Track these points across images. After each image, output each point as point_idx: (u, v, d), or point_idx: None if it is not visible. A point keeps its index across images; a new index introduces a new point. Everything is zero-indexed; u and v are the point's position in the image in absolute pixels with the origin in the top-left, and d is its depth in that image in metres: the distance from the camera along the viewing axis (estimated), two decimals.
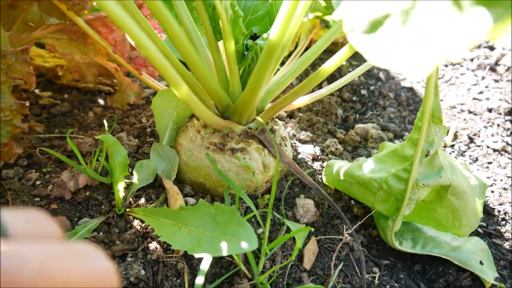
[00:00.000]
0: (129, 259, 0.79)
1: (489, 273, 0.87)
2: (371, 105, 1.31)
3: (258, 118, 0.89)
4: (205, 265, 0.70)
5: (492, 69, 1.51)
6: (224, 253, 0.67)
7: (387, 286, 0.86)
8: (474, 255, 0.89)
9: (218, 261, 0.81)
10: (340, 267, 0.85)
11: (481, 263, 0.88)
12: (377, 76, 1.43)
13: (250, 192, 0.90)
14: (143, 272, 0.78)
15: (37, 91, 1.21)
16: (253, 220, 0.86)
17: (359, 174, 0.88)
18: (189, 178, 0.90)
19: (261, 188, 0.90)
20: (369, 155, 1.13)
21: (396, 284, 0.87)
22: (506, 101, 1.37)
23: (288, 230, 0.86)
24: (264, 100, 0.91)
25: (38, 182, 0.90)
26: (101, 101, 1.18)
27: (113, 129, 1.05)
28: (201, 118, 0.84)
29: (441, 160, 0.80)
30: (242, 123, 0.89)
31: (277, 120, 0.97)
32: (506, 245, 0.97)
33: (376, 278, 0.87)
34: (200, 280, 0.68)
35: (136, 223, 0.83)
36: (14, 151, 0.81)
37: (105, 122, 0.99)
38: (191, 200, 0.87)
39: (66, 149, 0.99)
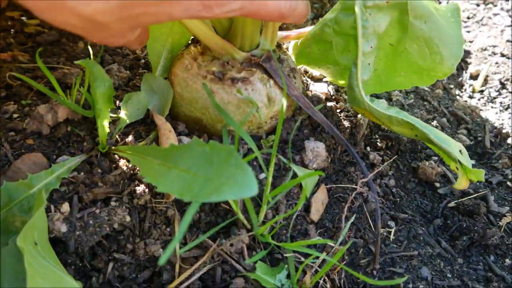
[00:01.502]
0: (113, 203, 0.70)
1: (469, 161, 0.75)
2: None
3: (264, 41, 0.78)
4: (192, 211, 0.60)
5: None
6: (218, 198, 0.57)
7: (404, 242, 0.77)
8: (455, 144, 0.76)
9: (214, 209, 0.71)
10: (352, 219, 0.75)
11: (460, 151, 0.75)
12: None
13: (253, 129, 0.79)
14: (128, 218, 0.69)
15: (24, 18, 1.09)
16: (255, 163, 0.75)
17: (315, 29, 0.78)
18: (183, 113, 0.79)
19: (266, 125, 0.79)
20: (389, 98, 1.01)
21: (414, 241, 0.78)
22: None
23: (295, 175, 0.75)
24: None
25: (15, 115, 0.79)
26: None
27: (102, 60, 0.94)
28: (198, 36, 0.72)
29: None
30: (245, 49, 0.77)
31: (286, 50, 0.85)
32: None
33: (392, 233, 0.77)
34: (183, 228, 0.58)
35: (122, 163, 0.73)
36: None
37: (89, 48, 0.87)
38: (186, 139, 0.76)
39: (49, 81, 0.89)
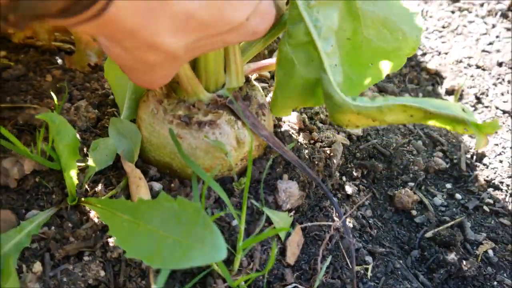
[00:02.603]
0: (86, 258, 0.69)
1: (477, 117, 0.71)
2: None
3: (229, 79, 0.76)
4: (163, 278, 0.59)
5: (504, 16, 1.35)
6: (187, 264, 0.56)
7: (382, 279, 0.77)
8: (454, 106, 0.67)
9: None
10: (328, 261, 0.75)
11: (463, 110, 0.66)
12: None
13: (224, 172, 0.78)
14: (102, 273, 0.68)
15: None
16: (227, 209, 0.74)
17: (277, 56, 0.73)
18: (153, 157, 0.78)
19: (236, 167, 0.78)
20: None
21: (391, 276, 0.77)
22: None
23: (268, 219, 0.75)
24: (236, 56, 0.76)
25: None
26: (61, 62, 1.03)
27: (71, 96, 0.92)
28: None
29: None
30: (210, 88, 0.75)
31: (254, 83, 0.83)
32: None
33: (369, 270, 0.77)
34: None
35: (93, 214, 0.72)
36: None
37: (52, 94, 0.85)
38: (157, 185, 0.75)
39: (17, 122, 0.87)
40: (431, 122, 0.67)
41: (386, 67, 0.72)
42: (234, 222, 0.74)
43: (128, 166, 0.74)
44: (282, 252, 0.74)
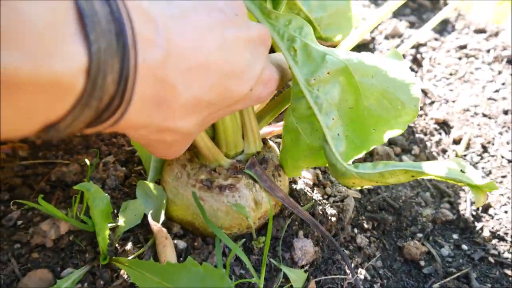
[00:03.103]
0: None
1: (475, 176, 0.71)
2: None
3: (247, 146, 0.83)
4: None
5: (510, 62, 1.40)
6: None
7: None
8: (453, 167, 0.72)
9: None
10: None
11: (462, 171, 0.71)
12: None
13: (242, 230, 0.84)
14: None
15: None
16: (247, 266, 0.80)
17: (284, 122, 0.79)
18: (177, 216, 0.84)
19: (254, 225, 0.84)
20: None
21: None
22: None
23: (285, 275, 0.80)
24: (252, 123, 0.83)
25: (19, 222, 0.85)
26: None
27: (100, 151, 0.99)
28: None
29: (318, 48, 0.70)
30: (231, 155, 0.82)
31: (271, 144, 0.90)
32: None
33: None
34: None
35: (122, 272, 0.78)
36: None
37: (87, 161, 0.92)
38: (181, 244, 0.81)
39: (50, 178, 0.94)
40: (435, 178, 0.73)
41: (388, 133, 0.75)
42: (254, 281, 0.79)
43: (156, 227, 0.81)
44: None
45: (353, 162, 0.73)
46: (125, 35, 0.42)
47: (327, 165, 0.82)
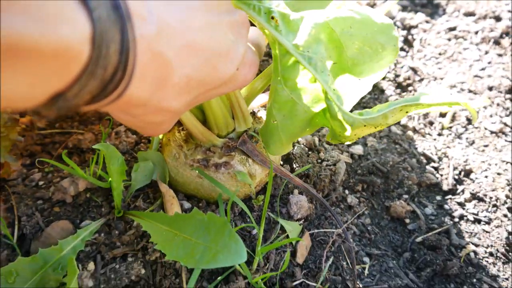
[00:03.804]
0: (129, 259, 0.84)
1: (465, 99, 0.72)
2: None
3: (238, 125, 0.90)
4: (195, 277, 0.75)
5: (497, 42, 1.49)
6: (215, 265, 0.72)
7: (377, 276, 0.90)
8: (445, 92, 0.73)
9: None
10: (331, 260, 0.89)
11: (451, 94, 0.73)
12: None
13: (241, 198, 0.93)
14: (143, 271, 0.83)
15: None
16: (248, 220, 0.89)
17: (270, 102, 0.80)
18: (180, 190, 0.93)
19: (251, 193, 0.92)
20: (365, 144, 1.14)
21: (385, 274, 0.91)
22: (507, 77, 1.36)
23: (282, 227, 0.89)
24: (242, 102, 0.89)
25: (41, 183, 0.94)
26: None
27: (112, 122, 1.08)
28: (185, 124, 0.85)
29: (295, 13, 0.71)
30: (223, 134, 0.90)
31: (260, 115, 0.97)
32: (495, 232, 1.00)
33: (366, 269, 0.91)
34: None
35: (135, 223, 0.87)
36: (11, 168, 0.85)
37: (101, 128, 1.01)
38: (186, 204, 0.90)
39: (67, 145, 1.03)
40: (429, 109, 0.74)
41: (372, 78, 0.77)
42: (254, 231, 0.88)
43: (164, 187, 0.90)
44: (293, 254, 0.89)
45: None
46: (121, 9, 0.44)
47: (311, 133, 0.86)
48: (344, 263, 0.90)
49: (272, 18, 0.69)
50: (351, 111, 0.73)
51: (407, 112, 0.74)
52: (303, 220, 0.94)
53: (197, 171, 0.87)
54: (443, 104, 0.72)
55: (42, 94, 0.43)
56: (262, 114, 0.97)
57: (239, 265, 0.82)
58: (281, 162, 1.01)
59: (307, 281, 0.85)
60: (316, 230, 0.93)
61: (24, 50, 0.36)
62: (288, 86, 0.75)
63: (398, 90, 1.33)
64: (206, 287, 0.82)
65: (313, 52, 0.71)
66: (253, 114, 0.96)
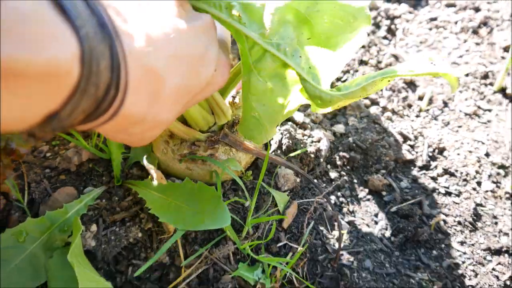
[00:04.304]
0: (128, 223, 0.92)
1: (445, 66, 0.72)
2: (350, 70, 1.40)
3: (218, 120, 0.94)
4: (179, 234, 0.84)
5: (475, 32, 1.57)
6: (201, 228, 0.81)
7: (354, 241, 0.99)
8: (422, 61, 0.73)
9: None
10: (312, 225, 0.97)
11: (432, 63, 0.73)
12: None
13: (228, 180, 1.01)
14: (140, 234, 0.91)
15: None
16: (240, 193, 0.98)
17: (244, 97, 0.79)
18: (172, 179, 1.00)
19: (240, 173, 1.01)
20: (346, 123, 1.23)
21: (361, 239, 1.00)
22: (483, 64, 1.45)
23: (273, 200, 0.98)
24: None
25: (48, 154, 1.02)
26: None
27: None
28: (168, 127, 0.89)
29: (255, 2, 0.69)
30: (204, 129, 0.94)
31: (236, 101, 1.01)
32: (464, 203, 1.09)
33: (344, 235, 1.00)
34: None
35: (133, 191, 0.96)
36: (20, 152, 0.92)
37: None
38: (178, 180, 0.98)
39: None
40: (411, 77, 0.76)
41: (351, 47, 0.74)
42: (247, 204, 0.97)
43: (151, 168, 0.95)
44: (279, 221, 0.97)
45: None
46: (107, 26, 0.44)
47: (290, 115, 0.84)
48: (324, 229, 0.99)
49: (234, 13, 0.68)
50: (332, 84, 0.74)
51: (389, 81, 0.73)
52: (289, 191, 1.02)
53: (186, 163, 0.93)
54: (422, 74, 0.72)
55: (35, 116, 0.42)
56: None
57: (229, 232, 0.91)
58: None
59: (290, 243, 0.94)
60: (300, 200, 1.01)
61: (13, 73, 0.36)
62: (263, 76, 0.74)
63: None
64: (198, 250, 0.91)
65: (280, 37, 0.70)
66: (233, 100, 0.99)
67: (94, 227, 0.90)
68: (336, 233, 0.99)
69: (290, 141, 1.07)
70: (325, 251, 0.96)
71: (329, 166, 1.12)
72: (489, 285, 0.96)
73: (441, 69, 0.71)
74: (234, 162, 0.94)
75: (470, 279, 0.96)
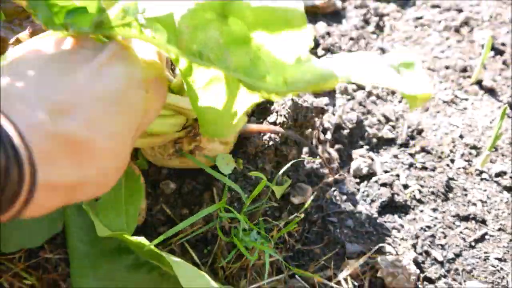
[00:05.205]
0: None
1: (410, 83, 0.67)
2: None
3: (188, 117, 0.92)
4: None
5: (457, 30, 1.70)
6: None
7: (337, 204, 1.11)
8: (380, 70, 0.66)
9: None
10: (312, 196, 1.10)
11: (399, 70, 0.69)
12: None
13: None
14: None
15: None
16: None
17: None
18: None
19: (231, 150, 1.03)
20: (333, 104, 1.36)
21: (345, 203, 1.12)
22: (463, 59, 1.58)
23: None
24: None
25: None
26: None
27: None
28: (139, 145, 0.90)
29: (162, 8, 0.59)
30: (179, 129, 0.93)
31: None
32: (438, 177, 1.21)
33: (330, 194, 1.12)
34: None
35: None
36: None
37: None
38: (172, 184, 1.02)
39: None
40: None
41: (302, 42, 0.61)
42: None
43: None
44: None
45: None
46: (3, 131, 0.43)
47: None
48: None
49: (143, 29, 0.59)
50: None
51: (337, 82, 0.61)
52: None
53: (178, 159, 0.94)
54: (379, 86, 0.68)
55: None
56: None
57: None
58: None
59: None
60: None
61: None
62: (198, 88, 0.70)
63: None
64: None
65: (201, 43, 0.59)
66: None
67: None
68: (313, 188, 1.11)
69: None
70: (320, 210, 1.08)
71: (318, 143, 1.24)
72: (456, 245, 1.08)
73: (403, 88, 0.65)
74: (226, 159, 0.97)
75: (439, 239, 1.08)
